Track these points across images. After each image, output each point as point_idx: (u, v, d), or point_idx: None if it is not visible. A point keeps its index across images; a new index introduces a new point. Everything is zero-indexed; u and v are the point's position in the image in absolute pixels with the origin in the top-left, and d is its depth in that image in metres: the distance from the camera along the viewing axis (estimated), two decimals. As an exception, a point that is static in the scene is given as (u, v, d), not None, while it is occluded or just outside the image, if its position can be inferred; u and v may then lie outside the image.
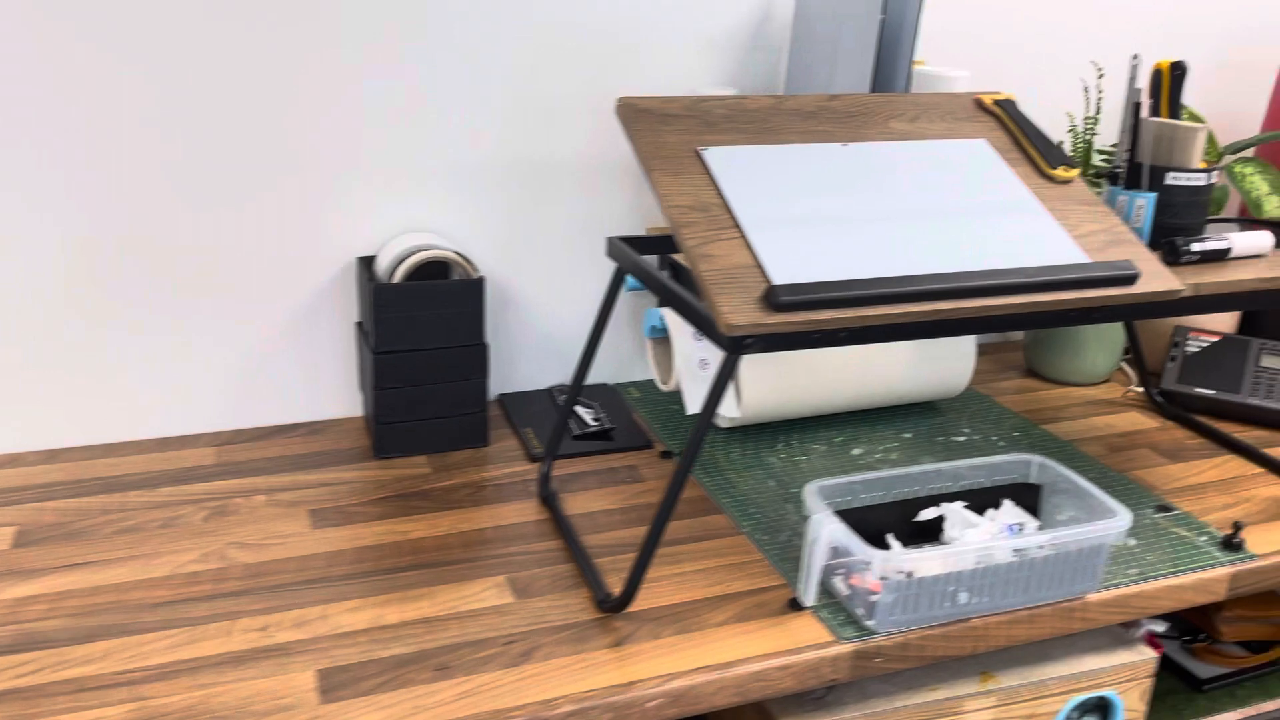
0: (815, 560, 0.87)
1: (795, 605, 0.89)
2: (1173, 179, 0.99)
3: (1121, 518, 0.88)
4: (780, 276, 0.81)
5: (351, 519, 1.02)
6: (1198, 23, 1.51)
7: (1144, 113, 1.04)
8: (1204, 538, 1.01)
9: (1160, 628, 1.03)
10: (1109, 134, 1.49)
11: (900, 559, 0.83)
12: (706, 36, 1.26)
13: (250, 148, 1.13)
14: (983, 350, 1.53)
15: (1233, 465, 1.18)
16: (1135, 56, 0.99)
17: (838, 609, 0.88)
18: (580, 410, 1.26)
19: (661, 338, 1.23)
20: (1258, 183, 1.32)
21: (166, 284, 1.14)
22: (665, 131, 0.94)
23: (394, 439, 1.15)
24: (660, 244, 1.04)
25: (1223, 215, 1.40)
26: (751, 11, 1.27)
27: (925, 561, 0.84)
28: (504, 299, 1.29)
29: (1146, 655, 0.97)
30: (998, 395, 1.37)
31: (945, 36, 1.38)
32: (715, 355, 1.14)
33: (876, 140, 0.99)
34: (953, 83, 1.18)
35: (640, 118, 0.95)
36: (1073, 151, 1.36)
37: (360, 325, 1.21)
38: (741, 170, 0.92)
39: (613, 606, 0.87)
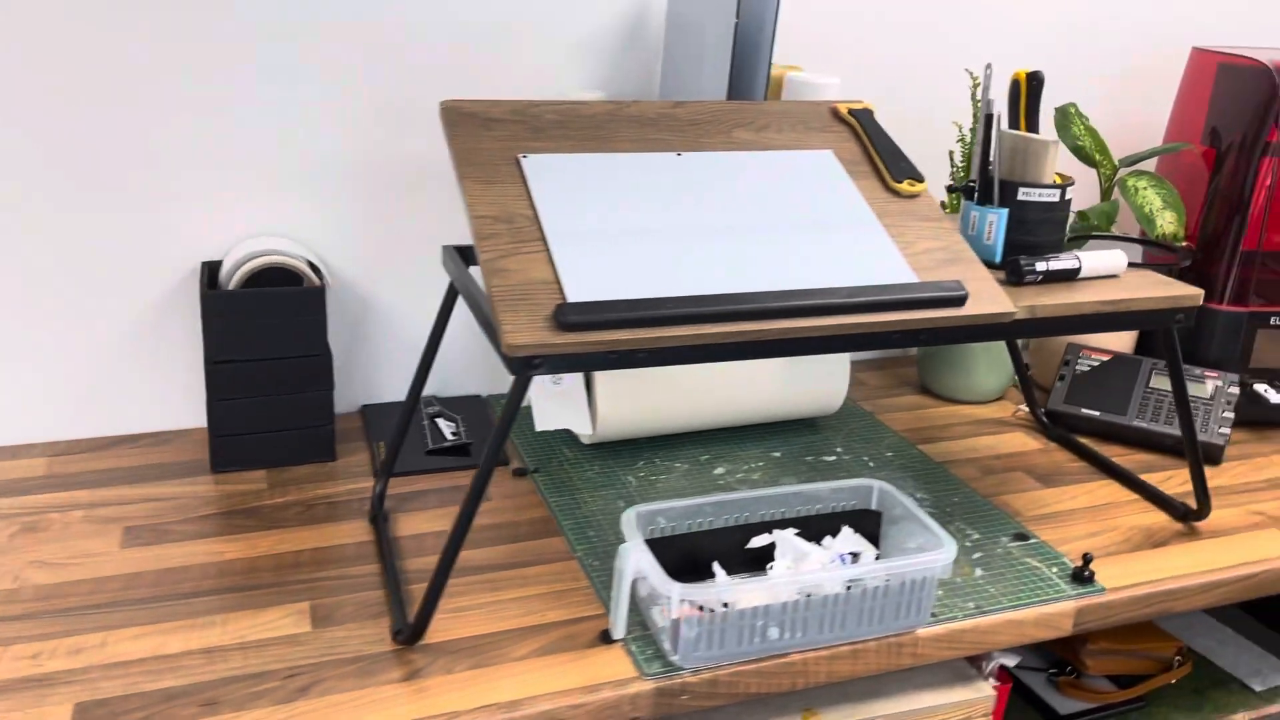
0: (623, 591, 0.82)
1: (606, 638, 0.85)
2: (1024, 194, 0.95)
3: (946, 551, 0.84)
4: (576, 294, 0.77)
5: (165, 538, 0.97)
6: (1104, 26, 1.47)
7: (1006, 124, 1.00)
8: (1055, 569, 0.97)
9: (1011, 661, 0.99)
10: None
11: (702, 591, 0.79)
12: (577, 37, 1.22)
13: (94, 145, 1.08)
14: (878, 365, 1.49)
15: (1106, 491, 1.14)
16: (988, 66, 0.95)
17: (650, 643, 0.84)
18: (441, 423, 1.22)
19: (519, 350, 1.19)
20: (1150, 197, 1.28)
21: (3, 286, 1.09)
22: (486, 137, 0.89)
23: (231, 452, 1.10)
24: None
25: (1113, 231, 1.36)
26: (624, 12, 1.22)
27: (731, 593, 0.80)
28: (367, 306, 1.24)
29: (985, 692, 0.92)
30: (885, 413, 1.32)
31: (836, 44, 1.34)
32: (572, 375, 1.09)
33: (716, 150, 0.95)
34: (822, 90, 1.14)
35: (462, 122, 0.90)
36: (962, 162, 1.32)
37: (206, 333, 1.16)
38: (562, 180, 0.87)
39: (406, 639, 0.82)
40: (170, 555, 0.95)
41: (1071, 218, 1.34)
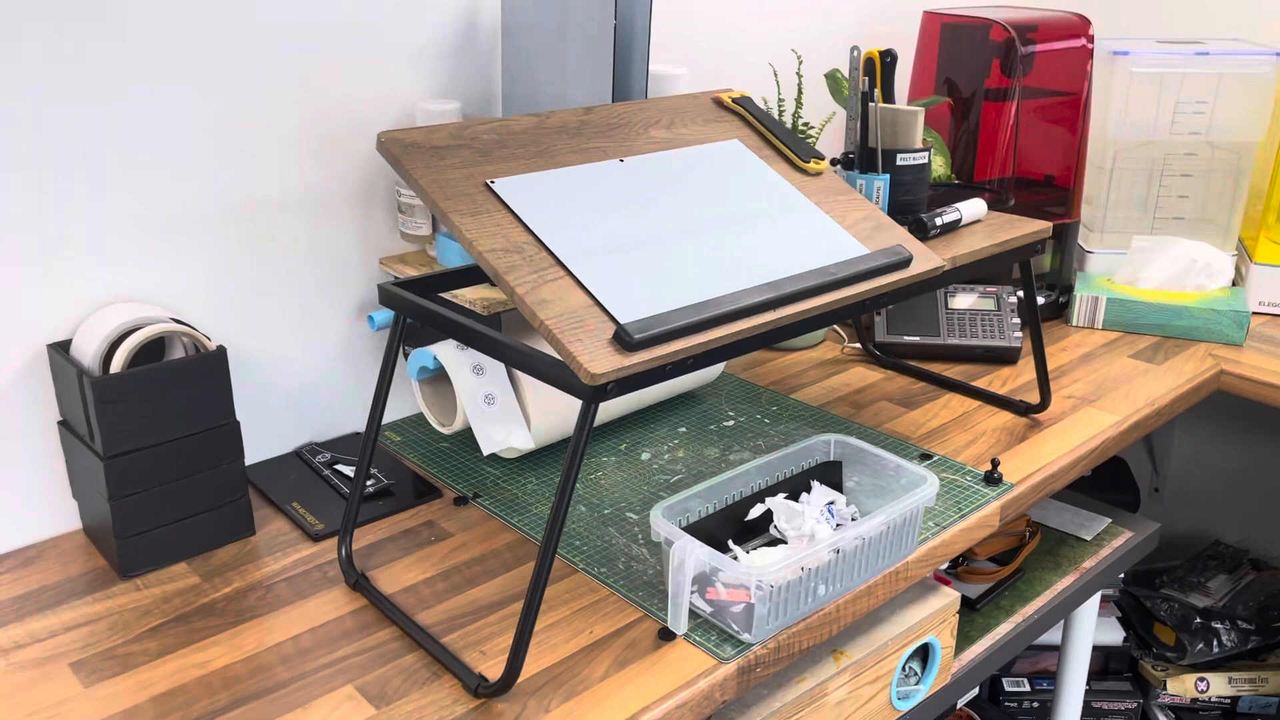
0: (684, 586, 0.85)
1: (667, 635, 0.88)
2: (902, 159, 1.08)
3: (930, 483, 0.96)
4: (624, 314, 0.78)
5: (130, 664, 0.85)
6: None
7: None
8: (968, 477, 1.13)
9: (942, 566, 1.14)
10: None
11: (772, 569, 0.84)
12: (416, 46, 1.17)
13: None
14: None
15: (956, 403, 1.32)
16: (855, 48, 1.06)
17: (706, 628, 0.88)
18: (349, 471, 1.15)
19: (430, 378, 1.14)
20: (922, 147, 1.47)
21: None
22: (443, 166, 0.86)
23: (142, 552, 0.97)
24: (433, 284, 0.97)
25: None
26: (455, 18, 1.19)
27: (789, 564, 0.86)
28: (232, 360, 1.12)
29: (950, 595, 1.06)
30: (739, 371, 1.42)
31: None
32: (502, 390, 1.08)
33: (645, 152, 0.98)
34: (675, 81, 1.20)
35: (411, 153, 0.86)
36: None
37: (66, 424, 1.00)
38: (536, 201, 0.86)
39: (494, 690, 0.80)
40: (153, 680, 0.83)
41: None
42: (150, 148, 1.01)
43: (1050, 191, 1.58)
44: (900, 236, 0.99)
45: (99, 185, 0.99)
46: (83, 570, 0.98)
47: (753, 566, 0.83)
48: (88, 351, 0.96)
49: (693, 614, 0.89)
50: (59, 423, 1.01)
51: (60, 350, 0.98)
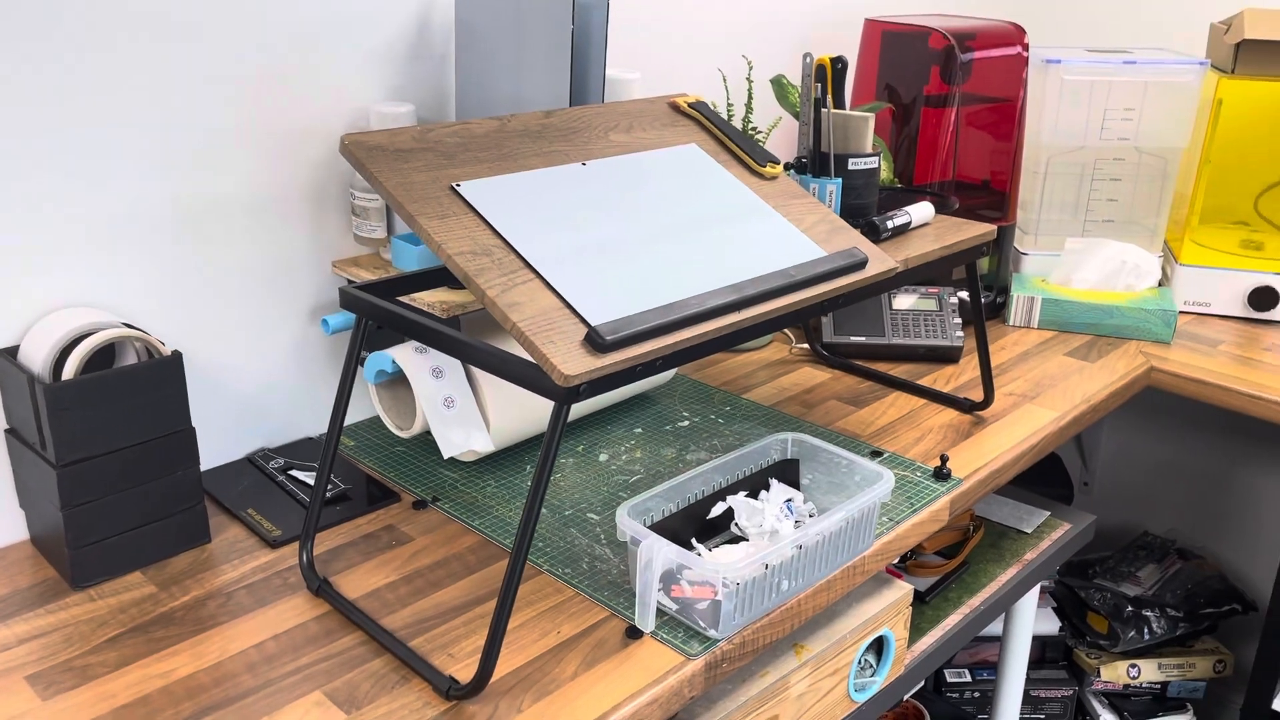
0: (652, 584, 0.87)
1: (634, 633, 0.89)
2: (854, 164, 1.10)
3: (886, 479, 0.98)
4: (595, 316, 0.79)
5: (89, 675, 0.84)
6: (791, 6, 1.68)
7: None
8: (918, 473, 1.16)
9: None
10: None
11: (737, 566, 0.86)
12: (368, 48, 1.16)
13: None
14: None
15: (902, 401, 1.36)
16: (808, 55, 1.08)
17: (673, 625, 0.89)
18: (301, 475, 1.14)
19: (388, 381, 1.14)
20: (866, 151, 1.50)
21: None
22: (408, 170, 0.86)
23: (95, 562, 0.95)
24: (393, 287, 0.97)
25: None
26: (409, 20, 1.19)
27: (754, 561, 0.87)
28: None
29: (903, 588, 1.09)
30: (691, 372, 1.44)
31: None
32: (461, 393, 1.08)
33: (606, 156, 0.99)
34: (629, 86, 1.21)
35: (375, 157, 0.86)
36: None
37: (13, 432, 0.98)
38: (503, 204, 0.87)
39: (466, 692, 0.80)
40: (113, 691, 0.82)
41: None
42: (97, 150, 0.99)
43: (987, 195, 1.63)
44: (855, 239, 1.01)
45: (43, 188, 0.97)
46: (32, 581, 0.96)
47: (719, 564, 0.85)
48: (37, 358, 0.94)
49: (658, 611, 0.91)
50: (5, 430, 0.99)
51: (8, 356, 0.96)
